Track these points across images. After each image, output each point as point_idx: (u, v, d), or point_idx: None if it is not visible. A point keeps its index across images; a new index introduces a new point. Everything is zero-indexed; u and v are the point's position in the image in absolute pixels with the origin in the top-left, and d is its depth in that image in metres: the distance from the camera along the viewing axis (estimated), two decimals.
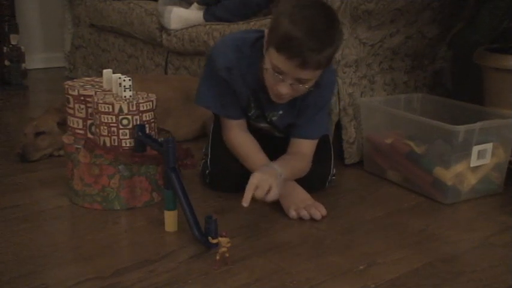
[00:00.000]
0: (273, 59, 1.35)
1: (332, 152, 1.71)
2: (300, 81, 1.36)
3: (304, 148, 1.57)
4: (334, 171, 1.69)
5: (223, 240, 1.22)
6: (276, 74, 1.36)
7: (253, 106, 1.57)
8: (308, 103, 1.53)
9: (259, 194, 1.37)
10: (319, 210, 1.48)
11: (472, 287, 1.18)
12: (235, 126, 1.57)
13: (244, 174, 1.56)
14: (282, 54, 1.31)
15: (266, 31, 1.39)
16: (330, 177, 1.67)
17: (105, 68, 1.67)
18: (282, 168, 1.45)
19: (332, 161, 1.69)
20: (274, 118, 1.58)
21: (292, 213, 1.47)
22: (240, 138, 1.57)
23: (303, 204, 1.49)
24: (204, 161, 1.68)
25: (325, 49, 1.31)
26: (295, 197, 1.51)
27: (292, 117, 1.56)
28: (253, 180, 1.37)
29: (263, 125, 1.63)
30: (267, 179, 1.38)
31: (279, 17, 1.33)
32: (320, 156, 1.63)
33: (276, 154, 1.55)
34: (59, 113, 1.91)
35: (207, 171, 1.65)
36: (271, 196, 1.39)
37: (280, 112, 1.56)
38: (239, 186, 1.64)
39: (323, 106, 1.57)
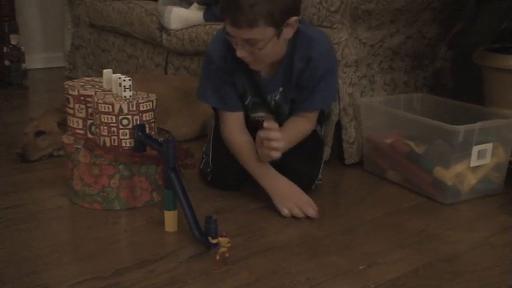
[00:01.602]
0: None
1: (323, 157, 1.71)
2: (247, 42, 1.37)
3: (306, 114, 1.58)
4: (321, 176, 1.68)
5: (223, 240, 1.22)
6: (229, 39, 1.39)
7: (250, 92, 1.58)
8: (304, 77, 1.52)
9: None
10: (310, 206, 1.49)
11: (472, 287, 1.19)
12: (234, 121, 1.58)
13: (246, 172, 1.56)
14: (222, 15, 1.36)
15: None
16: (316, 181, 1.65)
17: (105, 68, 1.67)
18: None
19: (321, 165, 1.68)
20: (277, 98, 1.58)
21: (285, 212, 1.48)
22: (237, 134, 1.58)
23: (296, 202, 1.49)
24: (205, 160, 1.68)
25: (256, 4, 1.30)
26: (289, 195, 1.51)
27: (292, 90, 1.56)
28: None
29: (262, 113, 1.63)
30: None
31: None
32: (310, 157, 1.63)
33: None
34: (59, 112, 1.91)
35: (209, 170, 1.65)
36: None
37: (281, 89, 1.56)
38: (240, 184, 1.64)
39: (322, 77, 1.53)
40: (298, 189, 1.53)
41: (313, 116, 1.61)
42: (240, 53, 1.39)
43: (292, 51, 1.49)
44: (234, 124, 1.58)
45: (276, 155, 1.44)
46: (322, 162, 1.69)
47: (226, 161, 1.61)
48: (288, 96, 1.57)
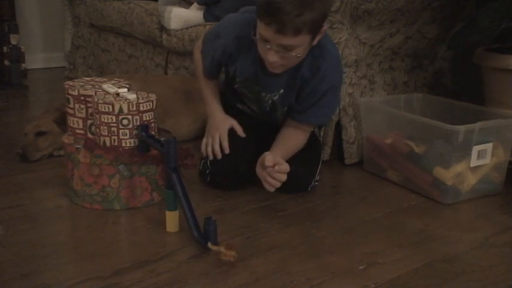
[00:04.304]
0: (258, 28, 1.38)
1: (320, 158, 1.71)
2: (284, 48, 1.37)
3: (303, 126, 1.59)
4: (318, 177, 1.68)
5: (230, 254, 1.21)
6: (263, 43, 1.39)
7: (240, 82, 1.60)
8: (308, 87, 1.52)
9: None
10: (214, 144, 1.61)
11: (472, 287, 1.19)
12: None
13: (245, 173, 1.57)
14: (262, 21, 1.34)
15: None
16: (313, 182, 1.66)
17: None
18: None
19: (319, 166, 1.69)
20: (275, 98, 1.58)
21: (204, 141, 1.64)
22: (204, 78, 1.70)
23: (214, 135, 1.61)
24: (203, 161, 1.68)
25: (303, 13, 1.31)
26: (218, 128, 1.62)
27: (292, 95, 1.56)
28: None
29: (254, 108, 1.66)
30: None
31: None
32: (307, 158, 1.63)
33: (268, 142, 1.58)
34: (57, 111, 1.91)
35: (208, 171, 1.65)
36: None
37: (281, 91, 1.56)
38: (239, 184, 1.64)
39: (326, 92, 1.53)
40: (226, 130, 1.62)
41: (309, 129, 1.61)
42: (273, 58, 1.39)
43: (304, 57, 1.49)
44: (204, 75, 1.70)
45: (279, 184, 1.45)
46: (320, 163, 1.69)
47: (225, 163, 1.61)
48: (286, 99, 1.57)
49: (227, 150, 1.59)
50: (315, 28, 1.37)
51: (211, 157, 1.60)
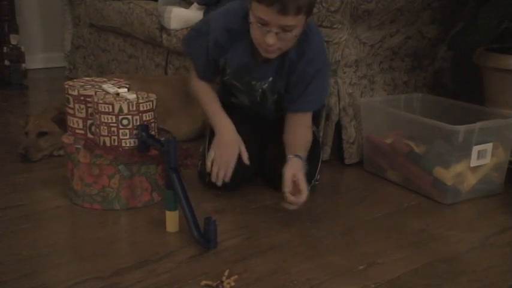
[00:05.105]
0: (255, 11, 1.38)
1: (320, 157, 1.71)
2: (284, 28, 1.38)
3: (300, 120, 1.58)
4: (319, 176, 1.68)
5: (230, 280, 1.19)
6: (261, 26, 1.38)
7: (231, 73, 1.60)
8: (296, 72, 1.53)
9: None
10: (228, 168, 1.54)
11: (472, 287, 1.19)
12: (200, 81, 1.64)
13: (242, 173, 1.56)
14: (263, 3, 1.34)
15: None
16: (313, 182, 1.64)
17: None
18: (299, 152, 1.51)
19: (318, 165, 1.68)
20: (265, 86, 1.58)
21: (211, 154, 1.54)
22: (204, 87, 1.64)
23: (228, 158, 1.53)
24: (201, 161, 1.68)
25: None
26: (229, 148, 1.55)
27: (282, 82, 1.56)
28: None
29: (245, 101, 1.65)
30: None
31: None
32: (307, 158, 1.62)
33: (265, 140, 1.59)
34: (56, 110, 1.91)
35: (206, 172, 1.65)
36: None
37: (270, 79, 1.56)
38: (238, 185, 1.64)
39: (313, 77, 1.54)
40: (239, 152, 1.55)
41: (306, 121, 1.60)
42: (272, 40, 1.39)
43: None
44: (200, 82, 1.64)
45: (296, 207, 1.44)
46: (319, 163, 1.69)
47: None
48: (276, 86, 1.57)
49: (228, 179, 1.52)
50: (311, 9, 1.41)
51: (214, 179, 1.53)
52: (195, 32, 1.65)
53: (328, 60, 1.67)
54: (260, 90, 1.60)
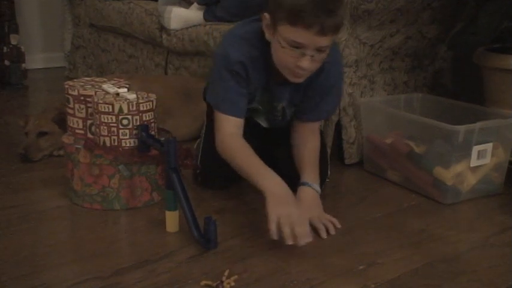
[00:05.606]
0: (288, 35, 1.28)
1: (328, 156, 1.69)
2: (319, 49, 1.30)
3: (311, 126, 1.55)
4: (329, 172, 1.67)
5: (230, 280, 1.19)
6: (295, 49, 1.30)
7: (258, 98, 1.52)
8: (312, 87, 1.48)
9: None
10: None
11: (472, 287, 1.19)
12: (235, 125, 1.45)
13: (234, 174, 1.54)
14: (298, 25, 1.25)
15: (264, 15, 1.34)
16: (326, 179, 1.64)
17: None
18: (312, 178, 1.46)
19: (328, 164, 1.66)
20: (284, 104, 1.53)
21: (273, 227, 1.27)
22: (236, 138, 1.44)
23: (292, 213, 1.29)
24: (194, 160, 1.67)
25: (339, 9, 1.28)
26: (288, 201, 1.32)
27: (299, 96, 1.52)
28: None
29: (260, 120, 1.60)
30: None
31: None
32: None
33: (261, 139, 1.54)
34: (56, 110, 1.91)
35: (197, 171, 1.65)
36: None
37: (287, 97, 1.52)
38: (229, 185, 1.64)
39: (329, 90, 1.51)
40: (297, 200, 1.39)
41: (317, 128, 1.58)
42: (307, 64, 1.31)
43: None
44: (234, 128, 1.45)
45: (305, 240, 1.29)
46: (328, 159, 1.68)
47: (214, 163, 1.60)
48: (293, 101, 1.54)
49: (310, 237, 1.28)
50: (343, 23, 1.35)
51: (293, 240, 1.26)
52: (215, 79, 1.48)
53: (343, 69, 1.61)
54: (281, 109, 1.55)
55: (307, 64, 1.32)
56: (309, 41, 1.28)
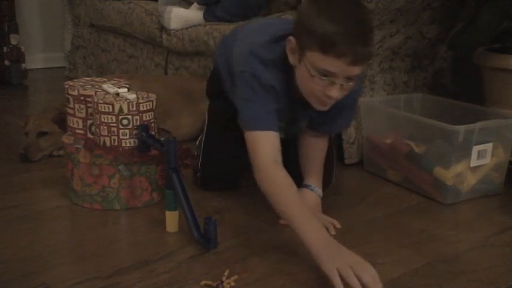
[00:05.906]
0: (318, 63, 1.22)
1: (334, 161, 1.67)
2: (349, 78, 1.25)
3: (324, 135, 1.53)
4: (333, 180, 1.66)
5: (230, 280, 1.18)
6: (324, 78, 1.24)
7: (282, 118, 1.45)
8: (335, 106, 1.38)
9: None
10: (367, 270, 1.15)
11: (472, 287, 1.19)
12: (273, 142, 1.33)
13: (235, 174, 1.53)
14: (330, 54, 1.20)
15: (290, 38, 1.27)
16: (328, 185, 1.63)
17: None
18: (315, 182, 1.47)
19: (334, 170, 1.66)
20: (305, 123, 1.50)
21: (337, 279, 1.12)
22: (277, 167, 1.31)
23: (349, 261, 1.15)
24: (195, 161, 1.67)
25: (372, 38, 1.25)
26: (340, 252, 1.17)
27: (320, 117, 1.47)
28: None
29: (282, 134, 1.47)
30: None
31: (308, 19, 1.23)
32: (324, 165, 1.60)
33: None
34: (56, 110, 1.91)
35: (198, 174, 1.65)
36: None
37: (311, 115, 1.47)
38: (230, 186, 1.64)
39: (348, 107, 1.48)
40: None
41: (328, 136, 1.57)
42: (336, 93, 1.26)
43: None
44: (273, 149, 1.32)
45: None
46: (334, 158, 1.67)
47: (215, 168, 1.60)
48: (316, 120, 1.50)
49: (379, 280, 1.11)
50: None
51: None
52: (247, 98, 1.36)
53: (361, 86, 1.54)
54: (300, 124, 1.52)
55: (336, 93, 1.26)
56: (340, 70, 1.22)
